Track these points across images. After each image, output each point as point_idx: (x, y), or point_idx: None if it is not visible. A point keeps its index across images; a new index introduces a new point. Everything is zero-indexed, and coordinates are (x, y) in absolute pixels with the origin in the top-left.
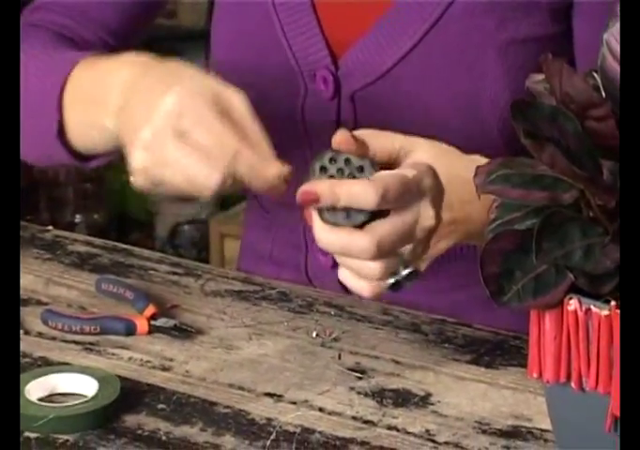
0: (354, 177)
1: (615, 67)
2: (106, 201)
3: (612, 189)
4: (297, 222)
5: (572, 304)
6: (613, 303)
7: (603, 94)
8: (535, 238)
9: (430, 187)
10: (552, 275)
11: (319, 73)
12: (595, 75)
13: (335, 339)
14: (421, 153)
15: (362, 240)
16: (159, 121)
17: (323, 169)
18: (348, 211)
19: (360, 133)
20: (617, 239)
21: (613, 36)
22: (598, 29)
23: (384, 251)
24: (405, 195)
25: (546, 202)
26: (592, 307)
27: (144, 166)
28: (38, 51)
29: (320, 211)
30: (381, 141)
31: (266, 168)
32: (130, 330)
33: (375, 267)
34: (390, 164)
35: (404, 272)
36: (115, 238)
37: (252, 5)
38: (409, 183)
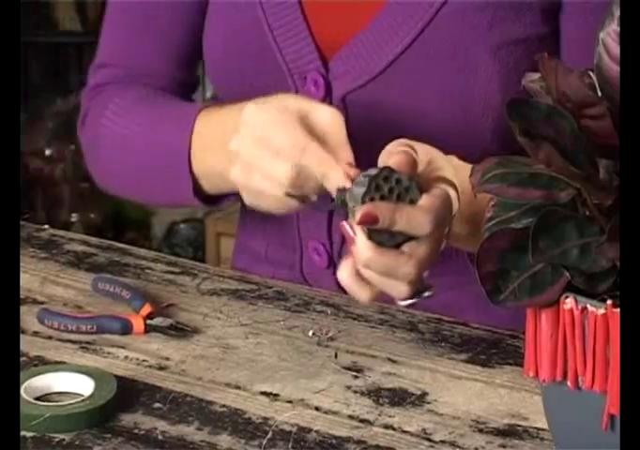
0: (400, 197)
1: (611, 65)
2: (102, 200)
3: (608, 188)
4: (291, 223)
5: (569, 302)
6: (609, 302)
7: (599, 93)
8: (531, 237)
9: (456, 209)
10: (548, 273)
11: (310, 76)
12: (591, 74)
13: (331, 338)
14: (441, 167)
15: (408, 265)
16: (241, 131)
17: (377, 187)
18: (391, 232)
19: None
20: (613, 238)
21: (609, 35)
22: (585, 29)
23: (421, 274)
24: (446, 218)
25: (542, 201)
26: (588, 305)
27: (239, 179)
28: (129, 110)
29: (370, 231)
30: (420, 151)
31: (332, 165)
32: (127, 329)
33: (407, 289)
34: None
35: (426, 294)
36: (112, 237)
37: (242, 8)
38: (448, 206)
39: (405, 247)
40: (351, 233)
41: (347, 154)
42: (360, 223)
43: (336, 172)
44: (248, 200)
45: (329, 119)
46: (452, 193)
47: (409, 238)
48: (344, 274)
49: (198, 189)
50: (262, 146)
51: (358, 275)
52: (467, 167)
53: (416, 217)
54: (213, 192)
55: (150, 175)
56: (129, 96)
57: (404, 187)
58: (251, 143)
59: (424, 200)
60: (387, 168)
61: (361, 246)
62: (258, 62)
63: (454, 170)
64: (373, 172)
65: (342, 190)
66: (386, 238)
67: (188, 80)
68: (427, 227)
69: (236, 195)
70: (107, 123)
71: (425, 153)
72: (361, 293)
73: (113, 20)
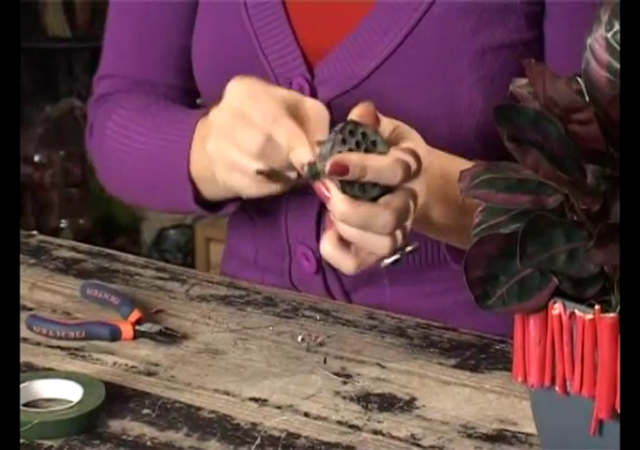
0: (367, 151)
1: (598, 71)
2: (91, 205)
3: (596, 193)
4: (280, 228)
5: (557, 308)
6: (597, 307)
7: (587, 98)
8: (519, 242)
9: (426, 166)
10: (536, 279)
11: (295, 81)
12: (578, 79)
13: (320, 344)
14: (409, 131)
15: (384, 215)
16: (221, 104)
17: (344, 141)
18: (364, 185)
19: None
20: (601, 243)
21: (596, 40)
22: (567, 33)
23: (399, 225)
24: (416, 171)
25: (530, 206)
26: (576, 311)
27: (212, 151)
28: (132, 118)
29: (342, 185)
30: (384, 120)
31: (301, 140)
32: (115, 335)
33: (388, 242)
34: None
35: (409, 248)
36: (101, 243)
37: (228, 14)
38: (419, 159)
39: (381, 200)
40: (326, 193)
41: (319, 128)
42: (331, 173)
43: (303, 147)
44: (221, 176)
45: (317, 111)
46: (421, 151)
47: (384, 193)
48: (327, 245)
49: (199, 196)
50: (236, 117)
51: (341, 243)
52: (439, 152)
53: (386, 166)
54: (213, 198)
55: (152, 183)
56: (133, 105)
57: (371, 140)
58: (228, 114)
59: (393, 151)
60: (351, 121)
61: (336, 200)
62: (244, 67)
63: (423, 142)
64: (338, 127)
65: (312, 163)
66: (359, 192)
67: (191, 87)
68: (398, 175)
69: (235, 202)
70: (110, 133)
71: (390, 122)
72: (346, 262)
73: (114, 30)
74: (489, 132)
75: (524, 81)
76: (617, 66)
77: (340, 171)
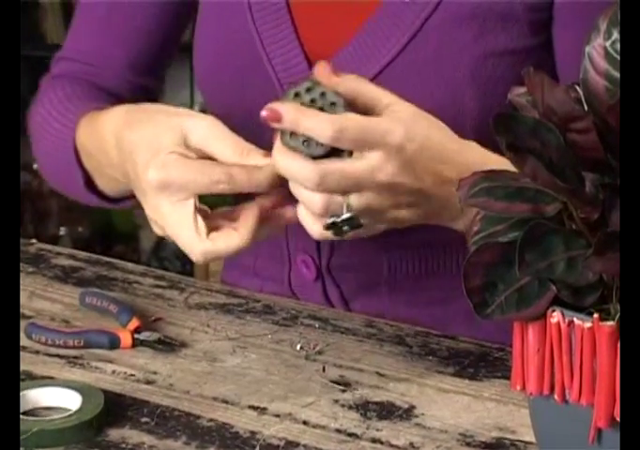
0: (323, 110)
1: (597, 79)
2: (91, 213)
3: (594, 202)
4: (280, 236)
5: (555, 316)
6: (595, 315)
7: (585, 107)
8: (518, 250)
9: (397, 144)
10: (535, 287)
11: None
12: (577, 88)
13: (319, 352)
14: (402, 110)
15: (308, 168)
16: (158, 195)
17: (297, 95)
18: (309, 141)
19: (349, 77)
20: (600, 251)
21: (594, 49)
22: (580, 41)
23: (327, 187)
24: (365, 141)
25: (529, 215)
26: (575, 319)
27: (152, 219)
28: (54, 105)
29: (283, 134)
30: (368, 87)
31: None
32: (114, 343)
33: (317, 201)
34: (367, 112)
35: (344, 216)
36: (100, 251)
37: (233, 19)
38: (373, 131)
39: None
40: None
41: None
42: (264, 118)
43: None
44: (156, 230)
45: (203, 135)
46: (389, 126)
47: (330, 156)
48: (300, 208)
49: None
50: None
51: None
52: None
53: (315, 121)
54: (108, 191)
55: (56, 169)
56: (63, 92)
57: (330, 101)
58: (158, 194)
59: (347, 114)
60: (310, 79)
61: (275, 149)
62: (248, 73)
63: (427, 121)
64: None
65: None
66: (302, 146)
67: (146, 85)
68: (327, 133)
69: (132, 199)
70: (35, 117)
71: (385, 94)
72: (312, 225)
73: (80, 16)
74: (489, 138)
75: (522, 89)
76: (616, 74)
77: (271, 117)
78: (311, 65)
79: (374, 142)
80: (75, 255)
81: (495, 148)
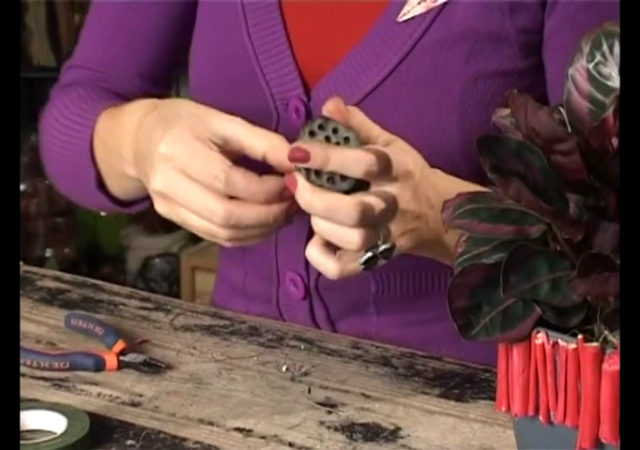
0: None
1: (580, 101)
2: (77, 235)
3: (578, 223)
4: (270, 253)
5: (540, 337)
6: (580, 336)
7: (569, 128)
8: (502, 272)
9: (411, 173)
10: (519, 308)
11: (291, 103)
12: (561, 110)
13: (305, 373)
14: (399, 140)
15: (348, 203)
16: (160, 166)
17: (311, 134)
18: (333, 178)
19: (354, 110)
20: (584, 272)
21: (578, 71)
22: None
23: (368, 221)
24: (390, 171)
25: (513, 236)
26: (559, 340)
27: (165, 211)
28: (69, 107)
29: (308, 173)
30: (366, 122)
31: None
32: (100, 366)
33: (356, 235)
34: (369, 144)
35: (383, 246)
36: (86, 272)
37: (229, 33)
38: (396, 162)
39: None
40: (295, 184)
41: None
42: (291, 159)
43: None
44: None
45: (214, 124)
46: (405, 156)
47: (355, 189)
48: (312, 248)
49: (107, 191)
50: (186, 179)
51: (326, 248)
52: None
53: (348, 156)
54: (118, 194)
55: (68, 170)
56: (83, 94)
57: (344, 136)
58: (176, 176)
59: (370, 147)
60: (321, 116)
61: (301, 188)
62: (242, 86)
63: (421, 158)
64: (307, 121)
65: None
66: (327, 183)
67: (156, 92)
68: (361, 167)
69: (145, 201)
70: (48, 121)
71: (387, 135)
72: (328, 265)
73: (91, 24)
74: (478, 159)
75: (506, 111)
76: (599, 96)
77: (300, 157)
78: (304, 81)
79: (398, 172)
80: (61, 277)
81: (482, 170)
